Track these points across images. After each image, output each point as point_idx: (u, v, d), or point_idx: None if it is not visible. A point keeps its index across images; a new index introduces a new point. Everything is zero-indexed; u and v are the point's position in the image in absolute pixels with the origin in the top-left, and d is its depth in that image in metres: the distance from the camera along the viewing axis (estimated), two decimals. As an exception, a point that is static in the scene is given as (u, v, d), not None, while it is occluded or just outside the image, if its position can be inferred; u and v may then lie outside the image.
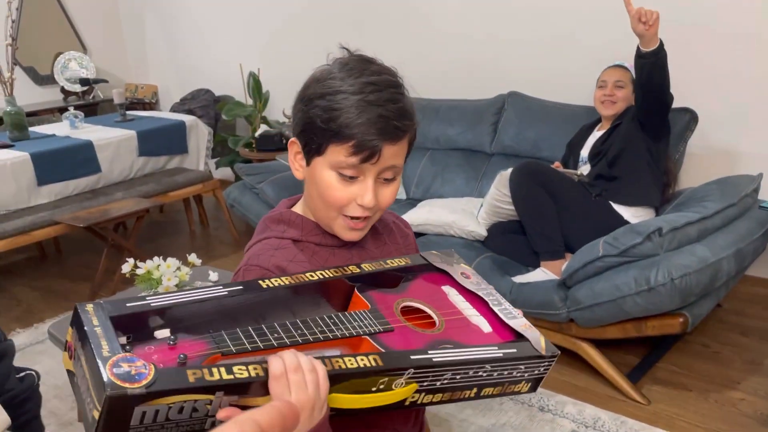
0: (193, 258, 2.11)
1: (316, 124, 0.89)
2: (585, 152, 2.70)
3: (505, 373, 0.77)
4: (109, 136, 3.84)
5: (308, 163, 0.95)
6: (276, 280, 0.79)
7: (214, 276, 2.44)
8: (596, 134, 2.70)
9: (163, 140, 4.09)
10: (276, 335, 0.70)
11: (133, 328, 0.68)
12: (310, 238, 0.99)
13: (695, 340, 2.55)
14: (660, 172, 2.51)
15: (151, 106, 5.47)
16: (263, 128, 4.24)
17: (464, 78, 3.63)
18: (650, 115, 2.38)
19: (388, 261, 0.90)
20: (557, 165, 2.74)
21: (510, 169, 2.56)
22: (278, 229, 0.99)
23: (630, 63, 2.58)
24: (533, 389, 0.84)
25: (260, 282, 0.78)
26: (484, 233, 2.69)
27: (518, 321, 0.84)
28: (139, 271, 2.01)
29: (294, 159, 0.99)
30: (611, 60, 2.70)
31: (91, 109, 5.19)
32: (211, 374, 0.61)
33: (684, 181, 2.84)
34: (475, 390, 0.78)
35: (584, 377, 2.34)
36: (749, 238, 2.27)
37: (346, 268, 0.88)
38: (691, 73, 2.81)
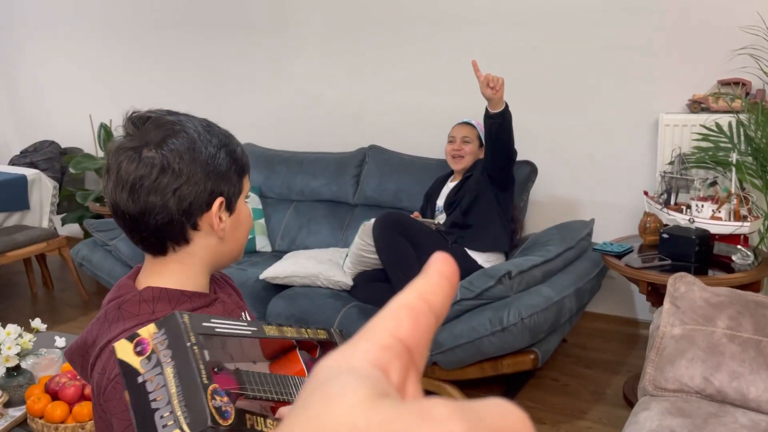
0: (36, 323, 1.94)
1: (233, 169, 0.93)
2: (440, 202, 2.87)
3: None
4: (-65, 192, 3.47)
5: (233, 211, 0.95)
6: (270, 329, 0.79)
7: (60, 342, 2.25)
8: (450, 185, 2.88)
9: (2, 196, 3.75)
10: (277, 390, 0.73)
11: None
12: (180, 308, 0.91)
13: (546, 374, 2.74)
14: (508, 219, 2.73)
15: (-14, 158, 5.01)
16: (116, 182, 4.03)
17: (326, 132, 3.73)
18: (497, 168, 2.59)
19: (317, 330, 0.91)
20: (416, 215, 2.88)
21: (373, 220, 2.65)
22: (145, 311, 0.88)
23: (476, 120, 2.81)
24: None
25: (264, 328, 0.79)
26: (350, 282, 2.74)
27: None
28: (-29, 341, 1.81)
29: (220, 219, 0.92)
30: (461, 116, 2.91)
31: None
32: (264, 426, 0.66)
33: (529, 227, 3.09)
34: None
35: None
36: (587, 278, 2.52)
37: (299, 329, 0.86)
38: (530, 130, 3.11)
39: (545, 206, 3.18)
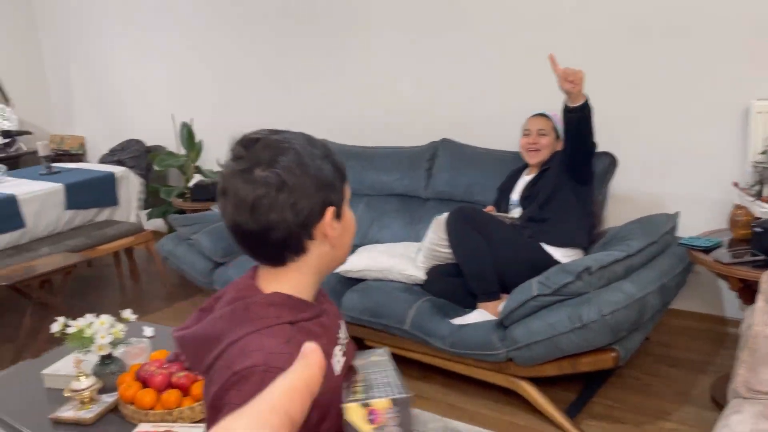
0: (127, 314, 2.05)
1: (337, 177, 0.97)
2: (515, 196, 2.81)
3: None
4: (34, 190, 3.71)
5: (341, 218, 0.99)
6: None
7: (149, 331, 2.37)
8: (525, 178, 2.81)
9: (92, 192, 3.97)
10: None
11: None
12: (300, 316, 0.95)
13: (627, 373, 2.65)
14: (587, 213, 2.64)
15: (78, 157, 5.32)
16: (197, 178, 4.20)
17: (398, 126, 3.73)
18: (576, 162, 2.52)
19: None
20: (490, 209, 2.84)
21: (445, 214, 2.63)
22: (271, 314, 0.92)
23: (552, 111, 2.74)
24: None
25: None
26: (424, 277, 2.73)
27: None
28: (69, 330, 1.92)
29: (333, 226, 0.96)
30: (536, 108, 2.84)
31: (13, 162, 5.00)
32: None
33: (608, 221, 2.99)
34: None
35: (524, 415, 2.38)
36: (671, 273, 2.41)
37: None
38: (610, 119, 2.99)
39: (626, 199, 3.06)
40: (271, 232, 0.92)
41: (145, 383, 1.86)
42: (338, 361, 0.98)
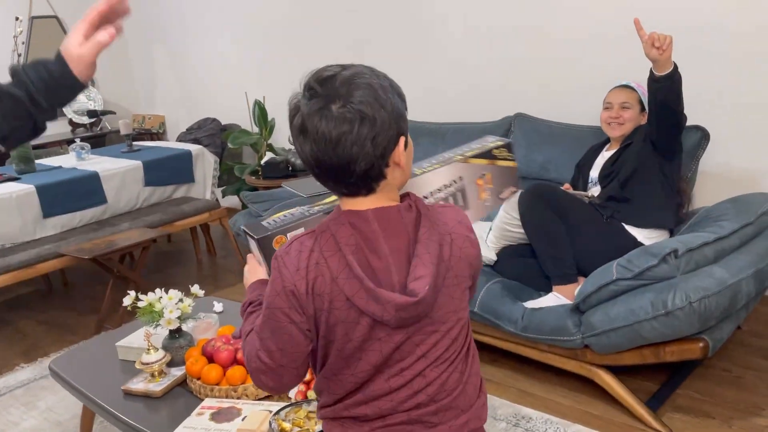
0: (195, 289, 2.06)
1: (405, 107, 1.01)
2: (594, 173, 2.65)
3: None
4: (115, 167, 3.84)
5: (407, 145, 1.01)
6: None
7: (218, 307, 2.39)
8: (605, 155, 2.64)
9: (170, 170, 4.08)
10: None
11: None
12: None
13: (716, 364, 2.46)
14: (673, 192, 2.45)
15: (159, 136, 5.49)
16: (269, 156, 4.23)
17: (470, 101, 3.61)
18: (663, 136, 2.33)
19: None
20: (567, 186, 2.69)
21: (519, 192, 2.51)
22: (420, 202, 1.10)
23: (636, 82, 2.54)
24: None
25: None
26: (494, 257, 2.63)
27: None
28: (140, 304, 1.96)
29: (403, 155, 1.00)
30: (617, 80, 2.65)
31: (99, 141, 5.22)
32: None
33: (697, 201, 2.77)
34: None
35: (601, 405, 2.25)
36: (768, 258, 2.20)
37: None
38: (701, 91, 2.76)
39: (718, 177, 2.82)
40: (353, 164, 0.95)
41: (211, 359, 1.87)
42: None
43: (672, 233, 2.47)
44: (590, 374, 2.25)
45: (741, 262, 2.12)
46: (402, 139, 0.98)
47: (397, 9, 3.80)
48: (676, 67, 2.15)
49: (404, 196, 1.04)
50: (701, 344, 2.03)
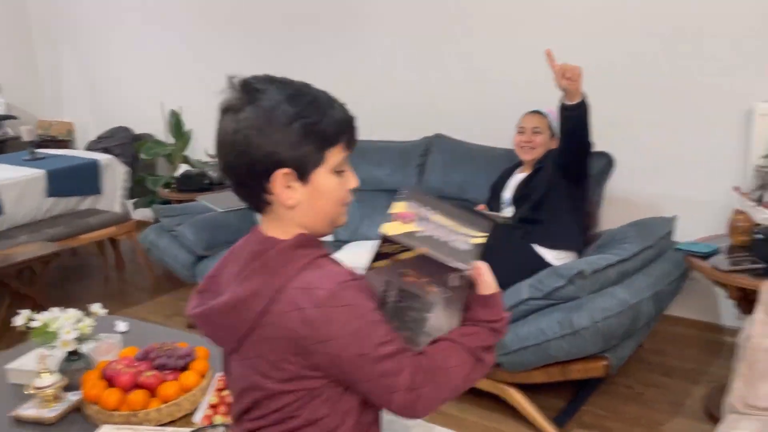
0: (96, 308, 1.95)
1: (311, 141, 0.95)
2: (507, 195, 2.72)
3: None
4: (15, 176, 3.60)
5: (307, 182, 0.97)
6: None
7: (122, 326, 2.27)
8: (518, 177, 2.72)
9: (75, 180, 3.87)
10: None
11: None
12: (324, 252, 1.02)
13: (619, 381, 2.56)
14: (581, 215, 2.55)
15: (66, 144, 5.21)
16: (184, 167, 4.09)
17: (390, 120, 3.64)
18: (572, 162, 2.42)
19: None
20: (482, 207, 2.75)
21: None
22: (308, 253, 0.99)
23: (548, 108, 2.64)
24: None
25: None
26: (411, 276, 2.64)
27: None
28: (34, 324, 1.83)
29: (283, 189, 0.97)
30: (531, 105, 2.75)
31: (-1, 147, 4.89)
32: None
33: (604, 223, 2.90)
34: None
35: (512, 423, 2.30)
36: (667, 280, 2.32)
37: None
38: (607, 119, 2.90)
39: (622, 201, 2.97)
40: (231, 173, 0.98)
41: (110, 382, 1.76)
42: None
43: (580, 254, 2.56)
44: (502, 393, 2.29)
45: (642, 283, 2.23)
46: (281, 171, 0.95)
47: (319, 27, 3.79)
48: (584, 97, 2.25)
49: (303, 237, 1.00)
50: (604, 362, 2.11)
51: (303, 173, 0.96)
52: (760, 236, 2.17)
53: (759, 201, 2.35)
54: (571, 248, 2.52)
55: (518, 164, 2.78)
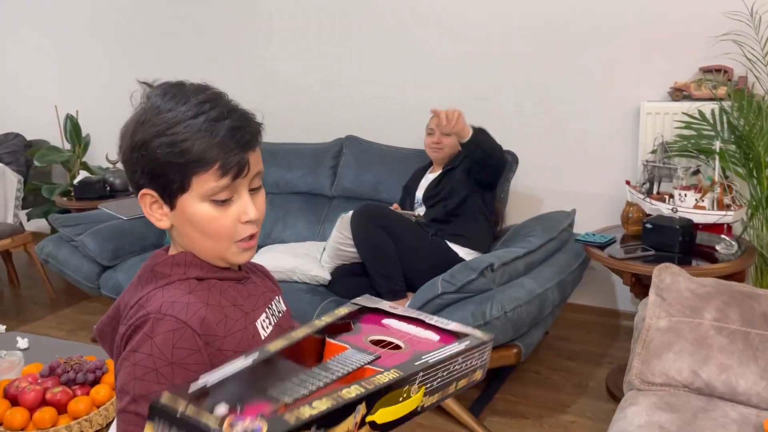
0: (-6, 324, 1.83)
1: (170, 163, 0.84)
2: (420, 194, 2.79)
3: (469, 362, 0.89)
4: None
5: (173, 207, 0.89)
6: (277, 343, 0.80)
7: (23, 343, 2.14)
8: (429, 177, 2.80)
9: (-39, 190, 3.60)
10: (311, 383, 0.74)
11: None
12: (211, 275, 0.92)
13: (528, 368, 2.69)
14: (490, 212, 2.66)
15: (-53, 152, 4.81)
16: (83, 174, 3.89)
17: (302, 122, 3.63)
18: (487, 178, 2.58)
19: (335, 312, 0.93)
20: (396, 207, 2.80)
21: (350, 212, 2.57)
22: (177, 272, 0.90)
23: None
24: (484, 375, 0.95)
25: (267, 347, 0.79)
26: (328, 277, 2.65)
27: (453, 325, 0.95)
28: None
29: (151, 211, 0.90)
30: (440, 105, 2.83)
31: None
32: (303, 412, 0.64)
33: (510, 218, 3.03)
34: (454, 384, 0.87)
35: (429, 415, 2.36)
36: (569, 269, 2.47)
37: (312, 324, 0.85)
38: (510, 118, 3.04)
39: (526, 197, 3.13)
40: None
41: (15, 401, 1.67)
42: (264, 326, 0.96)
43: (489, 249, 2.67)
44: (419, 386, 2.34)
45: (547, 273, 2.36)
46: (141, 192, 0.88)
47: (223, 22, 3.72)
48: (476, 131, 2.40)
49: (245, 266, 0.98)
50: (515, 350, 2.21)
51: (167, 197, 0.88)
52: (650, 225, 2.35)
53: (648, 193, 2.55)
54: (481, 247, 2.61)
55: (429, 164, 2.86)
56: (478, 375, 0.94)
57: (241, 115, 0.89)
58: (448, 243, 2.56)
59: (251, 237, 0.91)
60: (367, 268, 2.52)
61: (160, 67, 3.97)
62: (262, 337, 0.93)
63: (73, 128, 4.00)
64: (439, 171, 2.73)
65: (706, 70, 2.64)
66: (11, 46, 4.49)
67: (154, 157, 0.85)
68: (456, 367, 0.86)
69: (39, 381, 1.72)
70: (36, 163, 3.95)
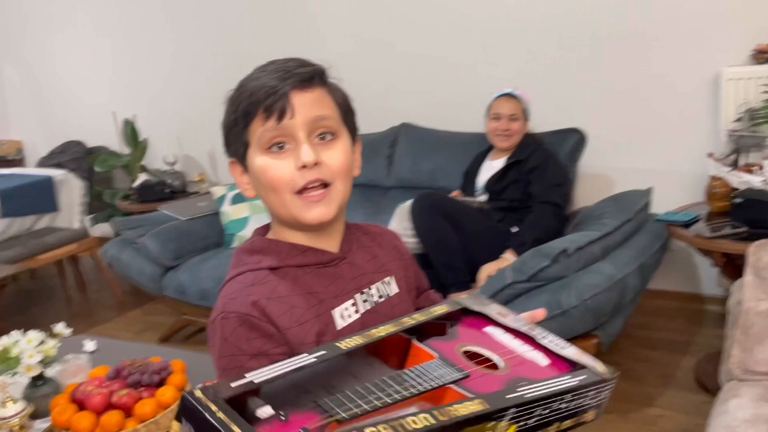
0: (60, 328, 1.82)
1: (232, 120, 0.85)
2: (481, 180, 2.66)
3: (580, 402, 0.73)
4: (-37, 198, 3.40)
5: (247, 168, 0.87)
6: (351, 340, 0.71)
7: (90, 346, 2.14)
8: (491, 164, 2.65)
9: (29, 198, 3.68)
10: (376, 397, 0.63)
11: (237, 410, 0.59)
12: (288, 262, 0.87)
13: (608, 359, 2.51)
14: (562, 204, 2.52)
15: (16, 163, 4.97)
16: (143, 177, 3.93)
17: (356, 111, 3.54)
18: None
19: (431, 310, 0.82)
20: (457, 193, 2.68)
21: (409, 202, 2.46)
22: (252, 261, 0.88)
23: (520, 89, 2.58)
24: (597, 416, 0.78)
25: (338, 344, 0.70)
26: (389, 270, 2.56)
27: (570, 350, 0.81)
28: (-8, 351, 1.69)
29: (240, 179, 0.90)
30: (498, 86, 2.68)
31: (-57, 171, 4.63)
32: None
33: (579, 201, 2.86)
34: (556, 425, 0.72)
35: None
36: (650, 251, 2.30)
37: (399, 321, 0.76)
38: (577, 93, 2.87)
39: (596, 177, 2.94)
40: None
41: (81, 405, 1.64)
42: (344, 315, 0.87)
43: (558, 235, 2.52)
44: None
45: (625, 257, 2.19)
46: (230, 162, 0.92)
47: (268, 17, 3.68)
48: (524, 244, 2.25)
49: (256, 241, 0.93)
50: (595, 341, 2.06)
51: (241, 159, 0.88)
52: (739, 200, 2.15)
53: (734, 165, 2.34)
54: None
55: (489, 148, 2.72)
56: (590, 416, 0.77)
57: (296, 60, 0.88)
58: (515, 229, 2.42)
59: (317, 187, 0.84)
60: (430, 258, 2.41)
61: (214, 67, 3.96)
62: (338, 327, 0.86)
63: (131, 133, 4.05)
64: (502, 158, 2.59)
65: (794, 28, 2.41)
66: (70, 58, 4.59)
67: (225, 121, 0.87)
68: (562, 405, 0.71)
69: (105, 384, 1.70)
70: (97, 168, 4.02)
